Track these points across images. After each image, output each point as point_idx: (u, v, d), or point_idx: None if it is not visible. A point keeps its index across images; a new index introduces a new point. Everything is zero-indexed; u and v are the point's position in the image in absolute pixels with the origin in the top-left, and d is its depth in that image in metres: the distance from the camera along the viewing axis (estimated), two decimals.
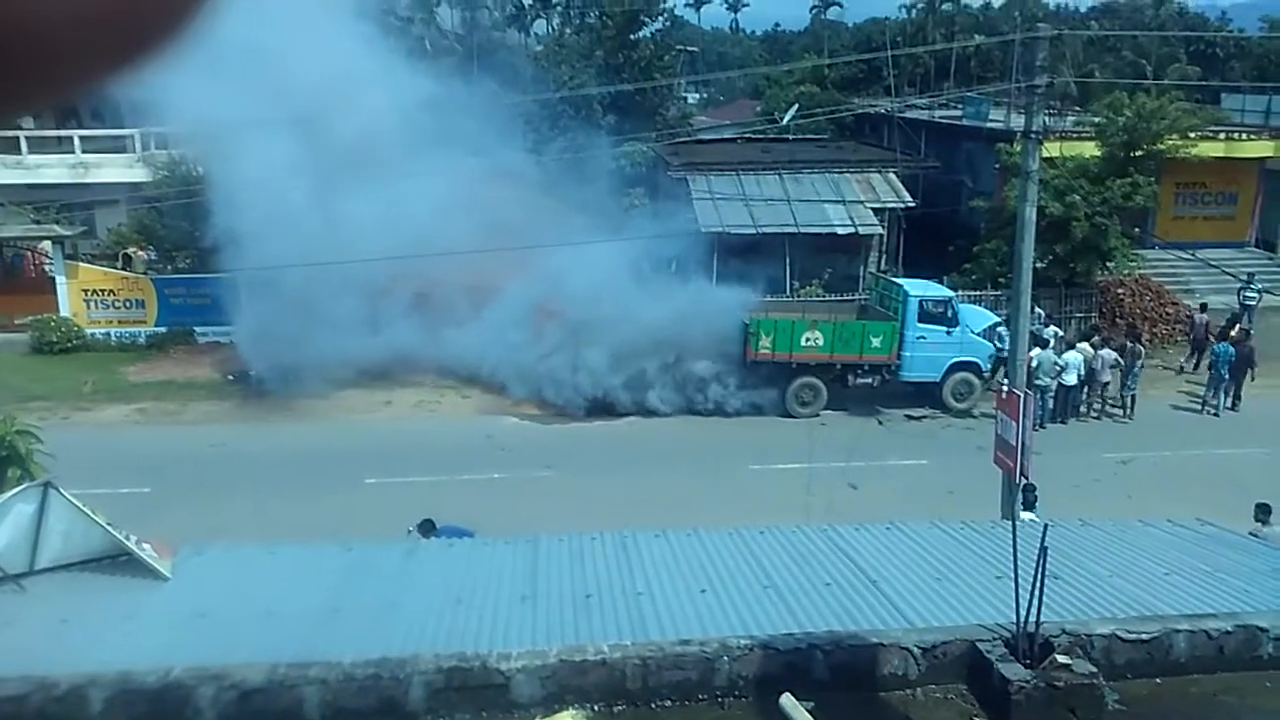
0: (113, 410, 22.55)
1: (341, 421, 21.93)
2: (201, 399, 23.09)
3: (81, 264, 26.91)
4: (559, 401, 22.17)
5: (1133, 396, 22.79)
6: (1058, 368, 22.01)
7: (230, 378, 23.48)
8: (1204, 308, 25.97)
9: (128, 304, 26.44)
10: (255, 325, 22.98)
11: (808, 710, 5.07)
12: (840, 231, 28.68)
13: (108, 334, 26.41)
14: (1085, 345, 23.03)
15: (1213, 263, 26.66)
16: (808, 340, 22.28)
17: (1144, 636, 5.52)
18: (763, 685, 5.33)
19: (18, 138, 29.73)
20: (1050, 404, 22.17)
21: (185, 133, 25.96)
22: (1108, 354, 22.67)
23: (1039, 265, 21.21)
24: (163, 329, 26.27)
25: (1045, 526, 5.65)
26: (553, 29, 47.36)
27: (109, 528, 8.50)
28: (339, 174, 22.55)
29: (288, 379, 22.52)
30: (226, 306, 24.94)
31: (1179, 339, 27.21)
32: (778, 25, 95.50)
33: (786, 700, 5.02)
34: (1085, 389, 22.75)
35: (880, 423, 22.57)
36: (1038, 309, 24.04)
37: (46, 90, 0.59)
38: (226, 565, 8.56)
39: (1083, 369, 22.33)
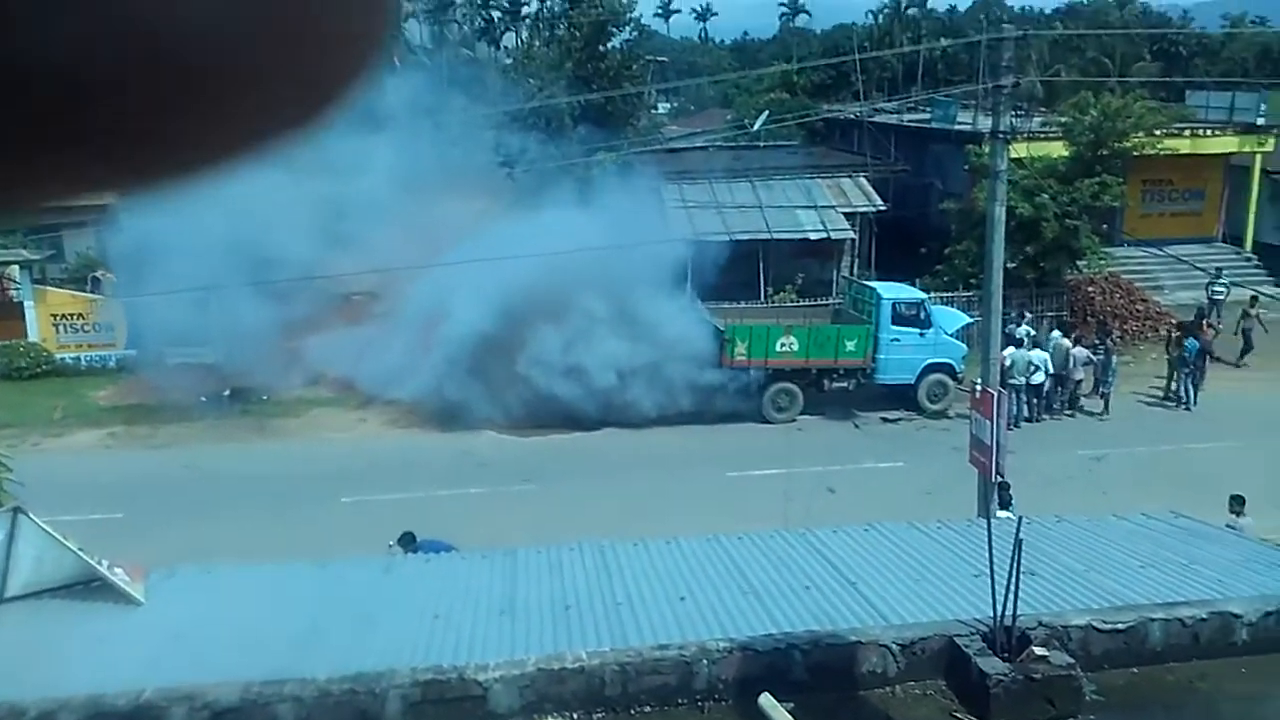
0: (84, 435, 22.31)
1: (316, 440, 21.77)
2: (173, 421, 22.85)
3: (50, 288, 26.62)
4: (537, 414, 22.07)
5: (1107, 395, 22.97)
6: (1032, 367, 22.16)
7: (202, 399, 23.26)
8: (1254, 300, 25.51)
9: (97, 327, 26.18)
10: (224, 344, 22.84)
11: (788, 710, 5.06)
12: (813, 236, 28.80)
13: (78, 358, 26.14)
14: (1058, 335, 23.24)
15: (1182, 258, 26.94)
16: (783, 345, 22.33)
17: (1120, 626, 5.55)
18: (742, 687, 5.32)
19: None
20: (1024, 402, 22.33)
21: None
22: (1080, 352, 22.84)
23: (1009, 265, 21.36)
24: (133, 352, 26.01)
25: (1020, 520, 5.68)
26: (522, 42, 47.38)
27: (80, 552, 8.40)
28: (306, 190, 22.44)
29: (259, 398, 22.35)
30: (196, 327, 24.79)
31: (1149, 335, 27.42)
32: (746, 34, 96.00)
33: (765, 700, 5.01)
34: (1059, 386, 22.94)
35: (856, 426, 22.63)
36: (1026, 313, 24.51)
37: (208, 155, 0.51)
38: (201, 587, 8.47)
39: (1050, 366, 22.49)
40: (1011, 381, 21.06)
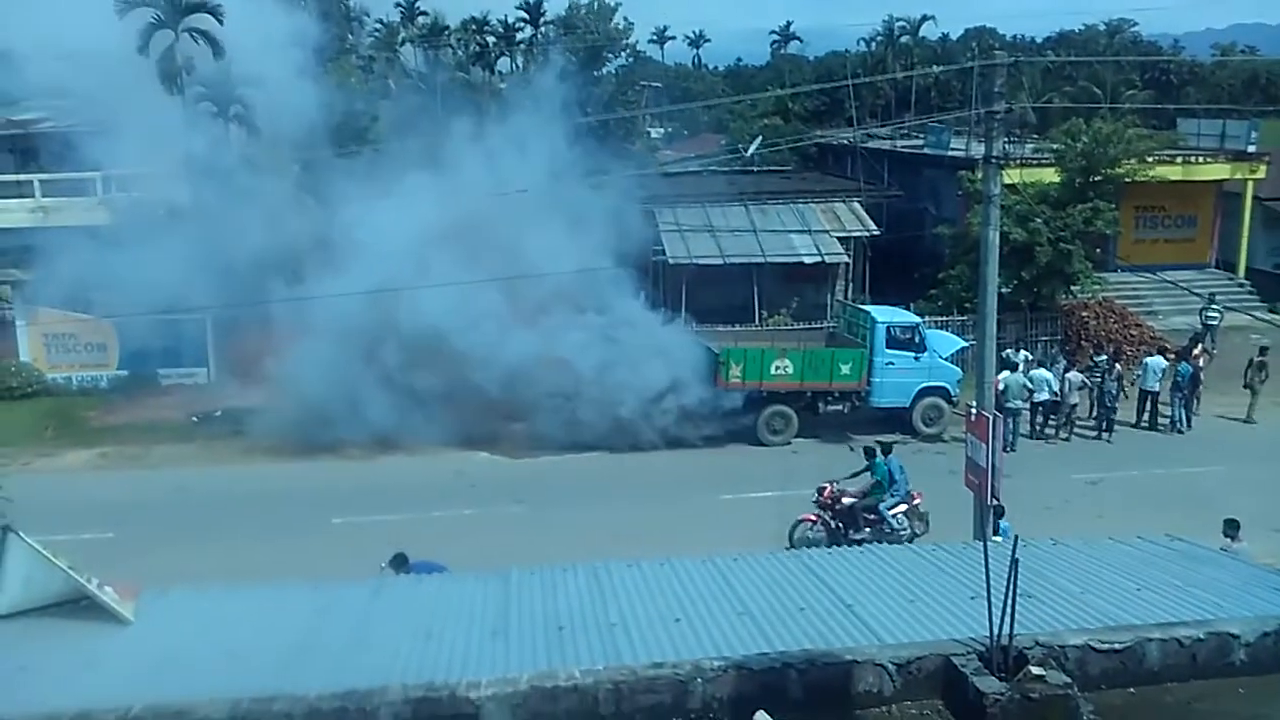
0: (74, 456, 22.22)
1: (305, 461, 21.63)
2: (165, 441, 22.78)
3: (41, 308, 26.54)
4: (528, 436, 22.00)
5: (1109, 420, 23.04)
6: (1027, 390, 22.24)
7: (194, 419, 23.18)
8: None
9: (89, 347, 26.10)
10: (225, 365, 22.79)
11: None
12: (807, 260, 28.91)
13: (69, 378, 26.05)
14: (1158, 359, 23.56)
15: (1178, 283, 27.04)
16: (777, 368, 22.34)
17: (1116, 646, 5.51)
18: (737, 706, 5.28)
19: None
20: (1019, 427, 22.39)
21: (147, 173, 25.88)
22: (1075, 376, 22.90)
23: (1004, 290, 21.46)
24: (125, 372, 25.93)
25: (1016, 538, 5.66)
26: (517, 66, 47.61)
27: (70, 571, 8.30)
28: (307, 210, 22.44)
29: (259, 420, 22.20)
30: (189, 349, 24.84)
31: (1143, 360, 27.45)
32: (739, 60, 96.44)
33: (761, 717, 4.96)
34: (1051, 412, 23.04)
35: (851, 449, 22.50)
36: (1065, 357, 24.75)
37: None
38: (191, 607, 8.37)
39: (1053, 386, 22.61)
40: (1007, 405, 21.12)
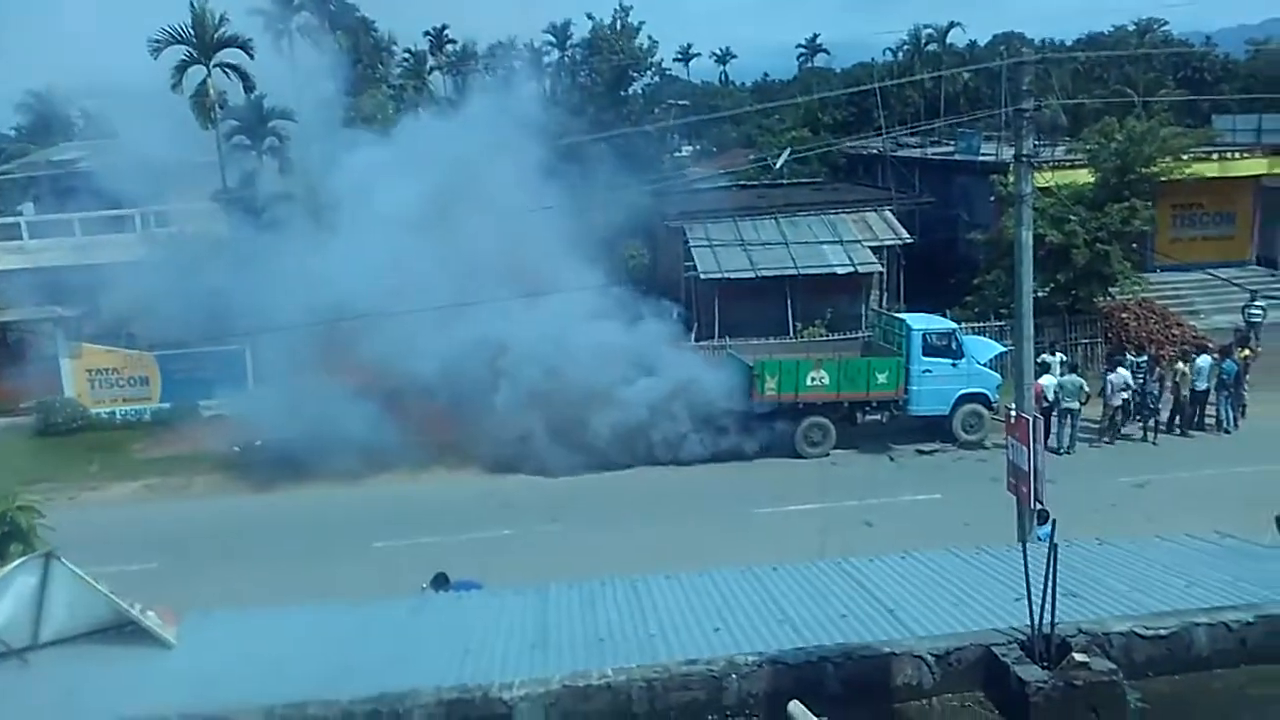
0: (119, 488, 22.49)
1: (346, 488, 21.74)
2: (207, 472, 23.02)
3: (84, 344, 26.94)
4: (565, 455, 21.96)
5: (1156, 421, 22.74)
6: (1085, 393, 22.01)
7: (236, 449, 23.41)
8: None
9: (132, 381, 26.44)
10: (260, 396, 22.99)
11: None
12: (839, 271, 28.80)
13: (113, 413, 26.39)
14: (1205, 358, 23.15)
15: (1233, 281, 26.65)
16: (813, 380, 22.19)
17: (1162, 632, 5.38)
18: (773, 701, 5.20)
19: (19, 223, 30.13)
20: (1076, 428, 22.19)
21: (184, 208, 26.30)
22: (1117, 378, 22.57)
23: (1041, 294, 21.22)
24: (167, 404, 26.25)
25: (1053, 520, 5.54)
26: (545, 89, 47.98)
27: (113, 596, 8.36)
28: (330, 237, 22.64)
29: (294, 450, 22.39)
30: (230, 379, 25.12)
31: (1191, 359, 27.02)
32: (766, 75, 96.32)
33: (795, 708, 4.87)
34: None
35: (891, 459, 22.40)
36: (1133, 357, 24.15)
37: None
38: (233, 630, 8.41)
39: (1131, 384, 22.44)
40: (1065, 405, 21.07)
